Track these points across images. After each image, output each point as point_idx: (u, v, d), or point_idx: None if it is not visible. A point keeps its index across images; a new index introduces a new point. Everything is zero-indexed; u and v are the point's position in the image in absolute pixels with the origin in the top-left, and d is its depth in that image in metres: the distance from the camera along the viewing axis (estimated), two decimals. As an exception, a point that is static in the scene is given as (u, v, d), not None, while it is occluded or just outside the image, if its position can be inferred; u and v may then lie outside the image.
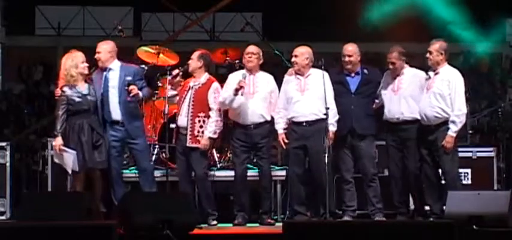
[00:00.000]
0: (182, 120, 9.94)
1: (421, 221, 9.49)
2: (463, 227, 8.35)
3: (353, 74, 10.03)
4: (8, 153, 10.72)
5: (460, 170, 10.38)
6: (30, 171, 12.85)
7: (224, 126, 10.13)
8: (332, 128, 9.76)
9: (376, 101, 10.10)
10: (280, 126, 9.95)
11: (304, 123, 9.84)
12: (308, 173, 10.00)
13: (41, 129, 14.71)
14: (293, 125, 9.91)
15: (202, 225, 9.60)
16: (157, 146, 10.74)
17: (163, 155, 10.44)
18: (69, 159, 9.42)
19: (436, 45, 9.78)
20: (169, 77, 10.10)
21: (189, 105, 9.91)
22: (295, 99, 9.89)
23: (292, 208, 10.12)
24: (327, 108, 9.67)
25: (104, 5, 19.53)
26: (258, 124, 9.93)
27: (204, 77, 10.02)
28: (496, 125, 13.22)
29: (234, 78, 9.97)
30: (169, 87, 10.07)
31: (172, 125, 10.36)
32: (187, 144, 9.87)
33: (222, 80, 10.20)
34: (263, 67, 10.36)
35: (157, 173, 10.21)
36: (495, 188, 10.74)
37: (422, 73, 9.93)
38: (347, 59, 9.96)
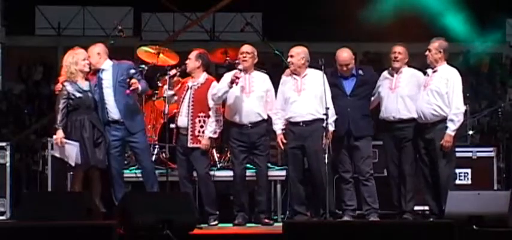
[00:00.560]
0: (182, 121, 9.94)
1: (421, 221, 9.49)
2: (463, 227, 8.35)
3: (348, 76, 10.02)
4: (8, 153, 10.71)
5: (460, 170, 10.39)
6: (30, 171, 12.86)
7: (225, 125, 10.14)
8: (330, 128, 9.75)
9: (372, 98, 10.08)
10: (278, 127, 9.95)
11: (301, 124, 9.83)
12: (307, 173, 9.99)
13: (41, 129, 14.72)
14: (290, 125, 9.90)
15: (203, 225, 9.59)
16: (157, 146, 10.74)
17: (163, 155, 10.43)
18: (72, 151, 9.43)
19: (436, 44, 9.79)
20: (167, 77, 10.09)
21: (188, 106, 9.91)
22: (292, 99, 9.88)
23: (292, 208, 10.11)
24: (327, 108, 9.65)
25: (104, 5, 19.56)
26: (255, 123, 9.93)
27: (203, 76, 10.02)
28: (496, 125, 13.25)
29: (229, 76, 9.97)
30: (166, 87, 10.05)
31: (173, 125, 10.36)
32: (189, 145, 9.87)
33: (222, 80, 10.20)
34: (263, 67, 10.36)
35: (157, 173, 10.19)
36: (495, 188, 10.73)
37: (420, 73, 9.93)
38: (345, 68, 9.95)
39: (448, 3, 12.73)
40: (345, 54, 9.97)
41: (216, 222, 9.90)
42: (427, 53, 9.79)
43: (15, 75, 19.25)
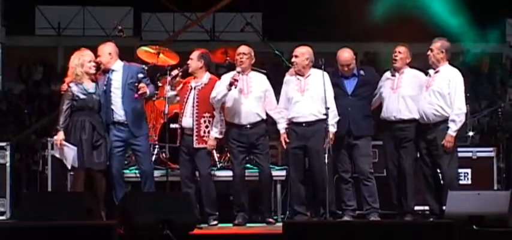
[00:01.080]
0: (187, 121, 9.93)
1: (421, 221, 9.49)
2: (463, 227, 8.34)
3: (349, 76, 10.02)
4: (8, 153, 10.71)
5: (460, 170, 10.38)
6: (30, 171, 12.85)
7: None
8: (332, 129, 9.75)
9: (374, 98, 10.08)
10: (281, 126, 9.96)
11: (303, 124, 9.83)
12: (308, 173, 9.99)
13: (41, 129, 14.72)
14: (293, 125, 9.90)
15: (203, 226, 9.59)
16: (157, 146, 10.73)
17: (163, 155, 10.43)
18: (70, 155, 9.43)
19: (438, 44, 9.79)
20: (168, 78, 10.08)
21: (193, 106, 9.91)
22: (295, 99, 9.88)
23: (292, 208, 10.12)
24: (327, 108, 9.66)
25: (104, 5, 19.56)
26: (254, 124, 9.93)
27: (206, 76, 10.02)
28: (496, 125, 13.24)
29: (227, 78, 9.97)
30: (168, 87, 10.05)
31: (173, 125, 10.35)
32: (194, 145, 9.87)
33: (222, 80, 10.20)
34: (263, 67, 10.36)
35: (157, 173, 10.20)
36: (495, 188, 10.73)
37: (422, 74, 9.93)
38: (346, 68, 9.95)
39: (448, 3, 12.73)
40: (346, 55, 9.98)
41: (215, 222, 9.90)
42: (429, 53, 9.79)
43: (15, 75, 19.26)
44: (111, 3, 19.54)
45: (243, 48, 10.05)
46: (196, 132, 9.87)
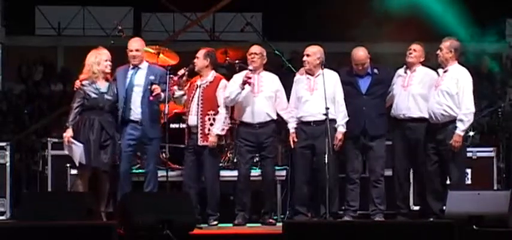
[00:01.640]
0: (192, 120, 9.94)
1: (421, 221, 9.48)
2: (463, 227, 8.35)
3: (363, 75, 10.02)
4: (8, 153, 10.72)
5: (461, 170, 10.39)
6: (30, 171, 12.84)
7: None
8: (341, 129, 9.77)
9: (388, 96, 10.07)
10: (291, 126, 9.98)
11: (312, 123, 9.84)
12: (315, 172, 9.95)
13: (41, 129, 14.71)
14: (302, 125, 9.92)
15: (203, 226, 9.59)
16: (157, 146, 10.72)
17: (164, 155, 10.43)
18: (77, 152, 9.45)
19: (447, 43, 9.79)
20: (175, 78, 10.08)
21: (198, 104, 9.92)
22: (304, 98, 9.90)
23: (293, 208, 10.12)
24: (327, 108, 9.66)
25: (104, 5, 19.55)
26: (263, 123, 9.95)
27: (211, 75, 10.03)
28: (496, 125, 13.23)
29: (239, 77, 9.99)
30: (176, 87, 10.04)
31: (173, 125, 10.36)
32: (199, 143, 9.87)
33: (222, 80, 10.20)
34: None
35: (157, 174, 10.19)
36: (495, 188, 10.74)
37: (434, 73, 9.90)
38: (360, 67, 9.95)
39: (448, 3, 12.73)
40: (360, 53, 9.98)
41: (216, 222, 9.90)
42: (438, 52, 9.79)
43: (15, 75, 19.23)
44: (111, 3, 19.53)
45: (255, 48, 10.10)
46: (201, 130, 9.88)
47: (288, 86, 10.19)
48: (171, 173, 10.04)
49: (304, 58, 9.98)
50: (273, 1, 18.57)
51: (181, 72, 10.06)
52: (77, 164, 9.52)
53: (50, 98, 17.67)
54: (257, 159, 10.28)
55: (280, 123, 10.19)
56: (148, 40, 10.86)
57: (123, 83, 9.79)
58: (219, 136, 9.90)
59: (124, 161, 9.73)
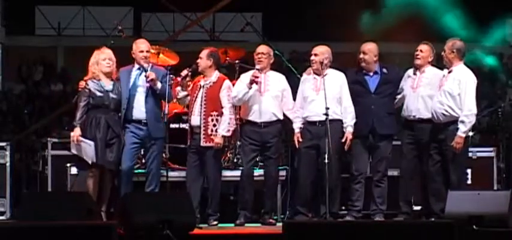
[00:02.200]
0: (195, 120, 9.93)
1: (421, 221, 9.48)
2: (463, 227, 8.34)
3: (372, 74, 10.02)
4: (8, 153, 10.71)
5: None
6: (30, 171, 12.85)
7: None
8: (350, 129, 9.79)
9: (398, 96, 10.07)
10: (297, 126, 9.98)
11: (317, 123, 9.84)
12: (318, 173, 9.95)
13: (41, 129, 14.71)
14: (307, 125, 9.92)
15: (202, 226, 9.59)
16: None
17: (164, 155, 10.42)
18: (89, 150, 9.44)
19: (449, 44, 9.79)
20: (178, 78, 10.07)
21: (201, 105, 9.92)
22: (310, 98, 9.90)
23: (293, 208, 10.11)
24: (327, 108, 9.66)
25: (104, 5, 19.56)
26: (268, 123, 9.96)
27: (215, 75, 10.03)
28: (496, 125, 13.22)
29: (246, 77, 10.00)
30: (179, 88, 10.03)
31: (173, 125, 10.36)
32: (202, 144, 9.87)
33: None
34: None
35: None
36: (495, 188, 10.74)
37: (442, 74, 9.89)
38: (361, 56, 9.98)
39: (448, 3, 12.72)
40: (367, 46, 10.02)
41: (216, 222, 9.90)
42: (442, 53, 9.80)
43: (15, 75, 19.25)
44: (111, 3, 19.54)
45: (262, 48, 10.11)
46: (204, 130, 9.88)
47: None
48: (171, 173, 10.03)
49: (312, 57, 9.98)
50: (273, 1, 18.59)
51: (184, 73, 10.04)
52: (90, 162, 9.50)
53: (49, 98, 17.69)
54: (258, 159, 10.26)
55: (286, 123, 10.17)
56: (148, 40, 10.85)
57: (127, 83, 9.79)
58: (224, 137, 9.90)
59: (127, 160, 9.72)
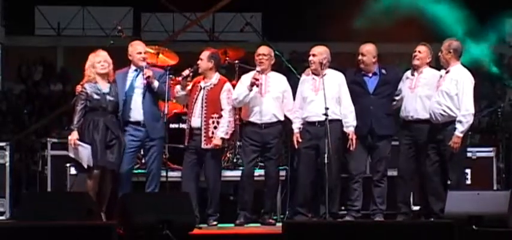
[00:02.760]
0: (196, 121, 9.92)
1: (421, 221, 9.48)
2: (463, 227, 8.34)
3: (370, 74, 10.03)
4: (7, 153, 10.71)
5: (461, 170, 10.39)
6: (30, 171, 12.85)
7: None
8: (352, 129, 9.80)
9: (396, 98, 10.08)
10: (296, 126, 9.97)
11: (316, 123, 9.84)
12: (317, 173, 9.95)
13: (40, 130, 14.72)
14: (306, 125, 9.91)
15: (202, 226, 9.59)
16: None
17: (163, 155, 10.42)
18: (84, 154, 9.43)
19: (446, 44, 9.81)
20: (179, 78, 10.06)
21: (202, 106, 9.92)
22: (309, 98, 9.90)
23: (293, 208, 10.11)
24: (327, 109, 9.66)
25: (104, 5, 19.56)
26: (269, 124, 9.96)
27: (215, 77, 10.02)
28: (496, 125, 13.23)
29: (246, 78, 10.00)
30: (179, 87, 10.02)
31: (173, 125, 10.35)
32: (203, 146, 9.86)
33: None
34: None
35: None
36: (495, 188, 10.74)
37: (440, 74, 9.90)
38: (360, 57, 10.00)
39: (447, 4, 12.72)
40: (366, 47, 10.03)
41: (215, 222, 9.90)
42: (439, 54, 9.81)
43: (15, 75, 19.26)
44: (111, 3, 19.55)
45: (263, 49, 10.11)
46: (205, 132, 9.88)
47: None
48: (171, 173, 10.02)
49: (310, 58, 9.97)
50: (273, 1, 18.59)
51: (185, 73, 10.01)
52: (86, 166, 9.49)
53: (49, 98, 17.70)
54: (259, 159, 10.26)
55: (287, 124, 10.17)
56: (148, 40, 10.87)
57: (123, 85, 9.79)
58: (223, 139, 9.90)
59: (125, 162, 9.72)
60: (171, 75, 9.97)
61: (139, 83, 9.82)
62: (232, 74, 10.89)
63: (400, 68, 10.43)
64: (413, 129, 9.90)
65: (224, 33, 19.48)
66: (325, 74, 9.87)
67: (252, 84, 9.82)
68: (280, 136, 10.08)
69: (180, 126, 10.59)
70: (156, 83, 9.76)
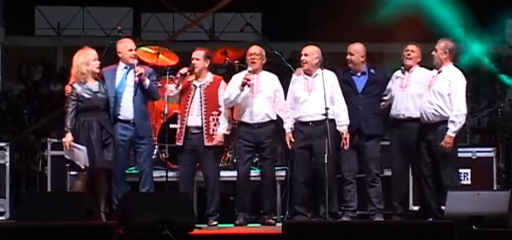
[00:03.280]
0: (195, 120, 9.92)
1: (421, 221, 9.47)
2: (463, 227, 8.34)
3: (359, 74, 10.05)
4: (7, 153, 10.71)
5: (460, 170, 10.38)
6: (29, 171, 12.85)
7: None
8: (345, 128, 9.79)
9: (385, 98, 10.09)
10: (287, 126, 9.98)
11: (310, 123, 9.84)
12: (312, 173, 9.96)
13: (40, 130, 14.72)
14: (299, 125, 9.91)
15: (202, 226, 9.59)
16: (157, 146, 10.72)
17: (163, 155, 10.43)
18: (81, 156, 9.40)
19: (442, 44, 9.82)
20: (178, 75, 10.06)
21: (201, 105, 9.92)
22: (302, 99, 9.90)
23: (292, 208, 10.11)
24: (327, 109, 9.67)
25: (104, 5, 19.56)
26: (262, 123, 9.95)
27: (210, 76, 10.05)
28: (496, 125, 13.23)
29: (238, 78, 10.00)
30: (173, 86, 10.01)
31: (173, 126, 10.34)
32: (206, 144, 9.87)
33: (221, 80, 10.21)
34: (264, 67, 10.37)
35: (156, 173, 10.20)
36: (495, 188, 10.74)
37: (431, 73, 9.91)
38: (348, 57, 10.03)
39: (447, 4, 12.73)
40: (354, 46, 10.05)
41: (215, 222, 9.90)
42: (433, 53, 9.82)
43: (15, 75, 19.27)
44: (110, 3, 19.54)
45: (254, 49, 10.10)
46: (206, 130, 9.89)
47: (287, 86, 10.19)
48: (170, 173, 10.03)
49: (302, 58, 9.99)
50: (273, 1, 18.59)
51: (184, 70, 10.02)
52: (82, 168, 9.45)
53: (49, 98, 17.69)
54: (257, 159, 10.28)
55: (279, 123, 10.18)
56: (148, 40, 10.87)
57: (112, 83, 9.76)
58: (225, 135, 9.94)
59: (118, 161, 9.69)
60: (171, 75, 9.98)
61: (130, 80, 9.81)
62: (232, 74, 10.88)
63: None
64: (404, 128, 9.92)
65: (224, 33, 19.48)
66: (317, 74, 9.88)
67: (244, 84, 9.81)
68: (273, 135, 10.07)
69: (174, 126, 10.57)
70: (147, 81, 9.77)
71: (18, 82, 19.06)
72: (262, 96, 9.99)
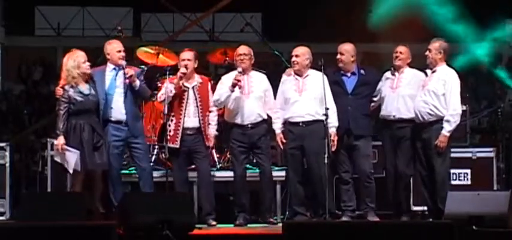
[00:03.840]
0: (190, 122, 9.92)
1: (420, 221, 9.50)
2: (463, 227, 8.34)
3: (349, 74, 10.05)
4: (7, 153, 10.70)
5: (460, 170, 10.41)
6: (29, 171, 12.85)
7: (222, 125, 10.20)
8: (334, 129, 9.78)
9: (374, 99, 10.10)
10: (277, 126, 9.98)
11: (300, 124, 9.84)
12: (307, 173, 9.99)
13: (40, 130, 14.72)
14: (290, 126, 9.91)
15: (202, 226, 9.59)
16: (156, 146, 10.73)
17: (163, 155, 10.43)
18: (72, 159, 9.38)
19: (436, 44, 9.84)
20: (179, 75, 10.06)
21: (197, 106, 9.92)
22: (292, 99, 9.90)
23: (292, 208, 10.12)
24: (327, 109, 9.67)
25: (104, 6, 19.56)
26: (255, 123, 9.95)
27: (198, 76, 10.07)
28: (496, 125, 13.23)
29: (227, 79, 9.98)
30: (172, 87, 9.94)
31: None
32: (207, 144, 9.94)
33: (221, 81, 10.21)
34: (264, 68, 10.37)
35: (156, 173, 10.20)
36: (495, 188, 10.73)
37: (422, 74, 9.96)
38: (339, 56, 10.03)
39: (447, 4, 12.73)
40: (344, 46, 10.05)
41: (214, 222, 9.90)
42: (427, 53, 9.83)
43: (15, 75, 19.27)
44: (111, 3, 19.54)
45: (243, 49, 10.07)
46: (204, 131, 9.93)
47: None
48: (170, 173, 10.03)
49: (293, 59, 9.99)
50: (273, 1, 18.58)
51: (183, 70, 9.99)
52: (71, 171, 9.42)
53: (49, 98, 17.66)
54: (252, 158, 10.26)
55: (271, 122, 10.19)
56: (147, 40, 10.87)
57: (102, 84, 9.73)
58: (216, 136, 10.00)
59: (113, 162, 9.70)
60: (171, 76, 9.97)
61: (120, 82, 9.78)
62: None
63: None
64: (395, 128, 9.93)
65: (224, 34, 19.48)
66: (307, 75, 9.88)
67: (234, 85, 9.80)
68: (266, 134, 10.07)
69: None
70: (137, 82, 9.75)
71: (18, 82, 19.06)
72: (254, 97, 9.98)
